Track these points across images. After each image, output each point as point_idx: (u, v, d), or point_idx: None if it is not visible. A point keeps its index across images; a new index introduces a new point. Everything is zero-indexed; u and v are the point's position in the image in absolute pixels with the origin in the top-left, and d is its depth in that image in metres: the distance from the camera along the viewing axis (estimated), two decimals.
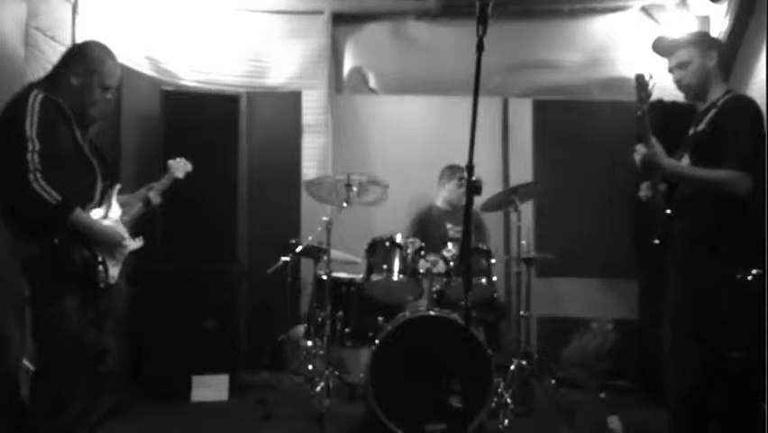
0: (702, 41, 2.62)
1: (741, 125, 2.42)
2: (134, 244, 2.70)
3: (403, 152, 4.95)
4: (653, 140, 2.49)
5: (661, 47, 2.66)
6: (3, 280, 3.00)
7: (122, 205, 2.70)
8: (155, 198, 2.86)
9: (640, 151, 2.53)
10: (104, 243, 2.51)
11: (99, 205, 2.55)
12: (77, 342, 2.43)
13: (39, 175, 2.27)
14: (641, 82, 2.49)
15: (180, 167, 3.01)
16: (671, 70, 2.64)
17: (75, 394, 2.44)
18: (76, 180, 2.46)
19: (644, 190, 2.71)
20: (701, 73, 2.56)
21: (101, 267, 2.49)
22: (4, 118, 2.39)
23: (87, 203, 2.49)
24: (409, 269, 3.51)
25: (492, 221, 4.64)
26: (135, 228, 2.75)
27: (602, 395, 4.09)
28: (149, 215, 2.89)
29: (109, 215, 2.59)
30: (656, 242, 2.57)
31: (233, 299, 4.33)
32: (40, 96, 2.37)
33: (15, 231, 2.43)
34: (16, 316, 3.09)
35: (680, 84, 2.62)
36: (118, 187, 2.69)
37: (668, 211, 2.55)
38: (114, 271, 2.58)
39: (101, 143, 2.73)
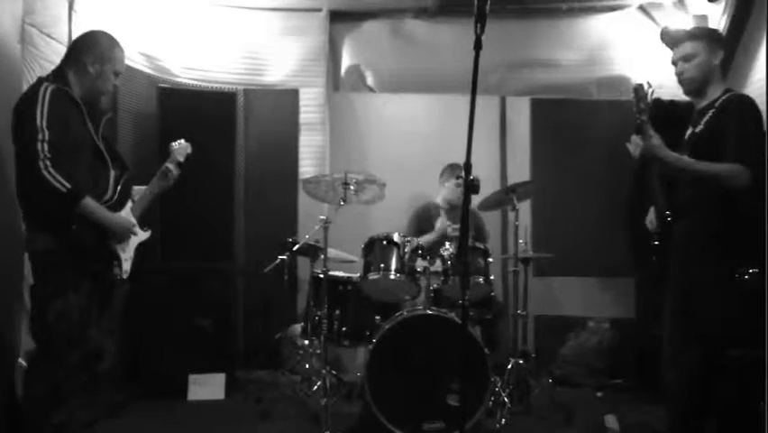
0: (710, 36, 2.61)
1: (741, 123, 2.41)
2: (143, 234, 2.70)
3: (400, 150, 4.94)
4: (652, 131, 2.47)
5: (667, 38, 2.64)
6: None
7: (132, 196, 2.71)
8: (172, 171, 2.82)
9: (637, 142, 2.52)
10: (115, 232, 2.51)
11: (113, 195, 2.56)
12: (77, 339, 2.43)
13: (48, 163, 2.30)
14: (639, 93, 2.47)
15: (182, 150, 2.94)
16: (674, 63, 2.62)
17: (71, 392, 2.44)
18: (88, 171, 2.48)
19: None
20: (705, 68, 2.54)
21: (115, 261, 2.50)
22: (17, 111, 2.42)
23: (102, 194, 2.51)
24: (406, 267, 3.49)
25: (490, 220, 4.63)
26: (143, 220, 2.76)
27: (599, 394, 4.11)
28: (163, 192, 2.86)
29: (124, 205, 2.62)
30: (656, 243, 2.57)
31: (230, 297, 4.33)
32: (50, 88, 2.40)
33: (32, 222, 2.45)
34: (12, 314, 3.08)
35: (681, 77, 2.60)
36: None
37: (668, 212, 2.54)
38: (126, 266, 2.58)
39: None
